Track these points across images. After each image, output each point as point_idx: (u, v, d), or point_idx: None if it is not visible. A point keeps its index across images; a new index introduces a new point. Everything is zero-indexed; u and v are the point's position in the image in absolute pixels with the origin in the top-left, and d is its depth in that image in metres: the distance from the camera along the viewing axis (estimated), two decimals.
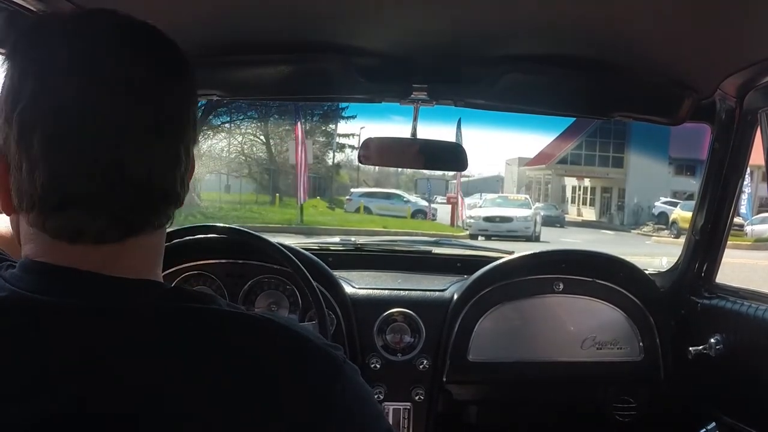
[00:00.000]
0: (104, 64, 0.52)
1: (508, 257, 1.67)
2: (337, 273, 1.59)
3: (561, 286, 1.61)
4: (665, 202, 17.90)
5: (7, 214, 0.58)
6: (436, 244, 2.11)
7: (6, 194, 0.55)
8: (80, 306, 0.52)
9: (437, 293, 1.62)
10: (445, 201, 14.91)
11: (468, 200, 15.97)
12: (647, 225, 17.81)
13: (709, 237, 1.54)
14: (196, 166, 0.61)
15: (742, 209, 11.75)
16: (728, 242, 1.56)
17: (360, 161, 1.51)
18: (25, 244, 0.56)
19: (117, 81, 0.52)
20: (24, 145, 0.51)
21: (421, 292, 1.62)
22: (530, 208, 14.38)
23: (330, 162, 17.20)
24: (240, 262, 1.58)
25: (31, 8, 0.96)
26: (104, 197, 0.52)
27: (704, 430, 1.51)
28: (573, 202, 23.61)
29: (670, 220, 16.05)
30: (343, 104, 13.57)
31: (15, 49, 0.54)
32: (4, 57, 0.54)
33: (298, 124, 11.59)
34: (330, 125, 16.05)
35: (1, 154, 0.54)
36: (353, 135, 16.11)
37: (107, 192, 0.52)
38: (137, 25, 0.57)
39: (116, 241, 0.54)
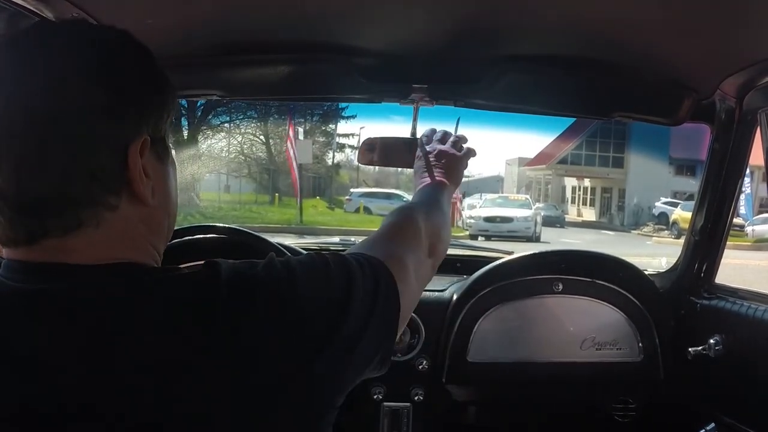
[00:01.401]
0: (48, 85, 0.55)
1: (507, 257, 1.67)
2: None
3: (560, 287, 1.61)
4: (665, 203, 17.89)
5: None
6: None
7: None
8: (60, 296, 0.55)
9: (437, 293, 1.61)
10: None
11: (468, 200, 15.94)
12: (647, 225, 17.79)
13: (708, 237, 1.54)
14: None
15: (742, 210, 11.76)
16: (729, 243, 1.56)
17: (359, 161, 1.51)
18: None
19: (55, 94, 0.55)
20: None
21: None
22: (531, 209, 14.34)
23: (330, 162, 17.21)
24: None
25: (32, 9, 0.96)
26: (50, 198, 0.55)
27: (704, 430, 1.51)
28: (573, 202, 23.59)
29: (671, 220, 16.04)
30: (343, 104, 13.56)
31: None
32: None
33: (291, 123, 11.63)
34: (330, 125, 16.06)
35: None
36: (353, 135, 16.12)
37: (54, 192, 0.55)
38: (95, 48, 0.58)
39: (73, 231, 0.56)
